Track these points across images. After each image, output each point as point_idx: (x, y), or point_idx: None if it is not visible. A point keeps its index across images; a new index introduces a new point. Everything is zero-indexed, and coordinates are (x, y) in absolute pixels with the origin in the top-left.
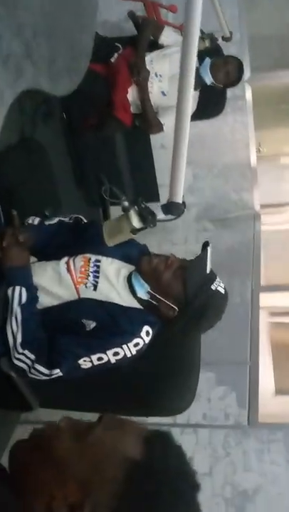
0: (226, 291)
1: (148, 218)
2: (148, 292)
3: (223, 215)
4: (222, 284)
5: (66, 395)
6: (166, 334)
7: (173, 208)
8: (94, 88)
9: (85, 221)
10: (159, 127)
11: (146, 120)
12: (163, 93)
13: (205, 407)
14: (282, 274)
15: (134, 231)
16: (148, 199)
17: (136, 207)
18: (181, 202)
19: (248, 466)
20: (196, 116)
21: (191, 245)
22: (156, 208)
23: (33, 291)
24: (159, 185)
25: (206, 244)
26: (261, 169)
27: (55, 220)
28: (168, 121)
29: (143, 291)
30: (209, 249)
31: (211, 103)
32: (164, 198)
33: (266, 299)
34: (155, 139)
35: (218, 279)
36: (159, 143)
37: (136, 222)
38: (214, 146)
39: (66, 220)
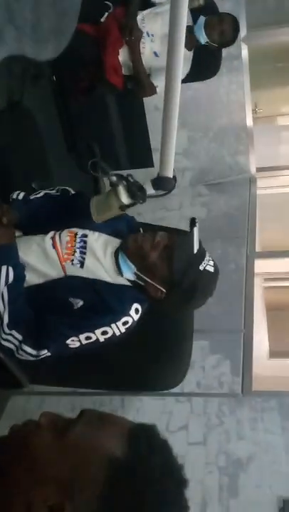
0: (215, 268)
1: (137, 194)
2: (135, 273)
3: (219, 179)
4: (211, 262)
5: (57, 372)
6: (157, 309)
7: (163, 183)
8: (83, 50)
9: (73, 192)
10: (152, 90)
11: (139, 82)
12: (155, 54)
13: (199, 376)
14: (278, 237)
15: (123, 207)
16: (141, 164)
17: (124, 182)
18: (171, 176)
19: (241, 434)
20: (190, 77)
21: (185, 211)
22: (145, 182)
23: (20, 269)
24: (152, 150)
25: (192, 223)
26: (257, 131)
27: (41, 193)
28: (161, 83)
29: (130, 272)
30: (196, 229)
31: (205, 64)
32: (157, 162)
33: (261, 265)
34: (148, 101)
35: (207, 257)
36: (153, 105)
37: (125, 198)
38: (209, 109)
39: (53, 192)
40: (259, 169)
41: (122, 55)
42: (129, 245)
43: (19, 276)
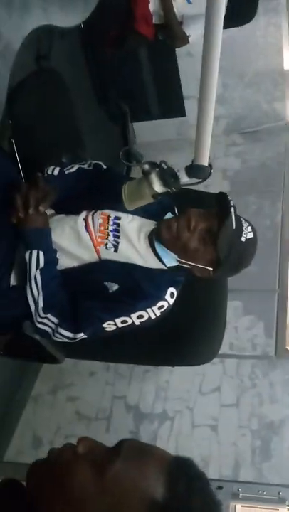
0: (254, 231)
1: (170, 182)
2: (177, 260)
3: (254, 127)
4: (249, 228)
5: (92, 347)
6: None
7: (198, 171)
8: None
9: (105, 167)
10: (185, 39)
11: (170, 32)
12: (188, 0)
13: (232, 337)
14: None
15: (156, 195)
16: (173, 113)
17: (157, 169)
18: (206, 164)
19: (274, 397)
20: (226, 23)
21: (219, 162)
22: (180, 169)
23: (51, 254)
24: (185, 98)
25: (224, 199)
26: None
27: (75, 167)
28: (194, 31)
29: (172, 260)
30: (232, 209)
31: (241, 7)
32: (189, 112)
33: None
34: (180, 48)
35: (245, 225)
36: (186, 50)
37: (158, 187)
38: (245, 53)
39: (85, 166)
40: None
41: (153, 4)
42: (164, 235)
43: (51, 260)
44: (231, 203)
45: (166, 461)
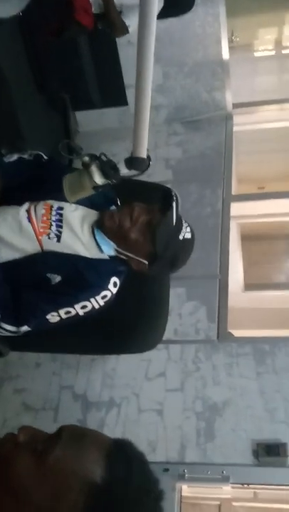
0: (192, 233)
1: (110, 174)
2: (115, 250)
3: (195, 116)
4: (188, 229)
5: (37, 338)
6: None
7: (137, 164)
8: None
9: (46, 158)
10: (124, 29)
11: (110, 22)
12: None
13: (176, 323)
14: (253, 171)
15: (97, 187)
16: (114, 103)
17: (97, 161)
18: (145, 157)
19: (217, 380)
20: (164, 12)
21: (161, 151)
22: (119, 162)
23: None
24: (126, 87)
25: (169, 196)
26: (234, 62)
27: (15, 157)
28: (134, 22)
29: (110, 249)
30: (174, 204)
31: None
32: (132, 100)
33: (237, 209)
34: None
35: (184, 225)
36: (126, 39)
37: (98, 179)
38: (184, 42)
39: (26, 156)
40: (236, 105)
41: None
42: (106, 223)
43: None
44: (174, 200)
45: (106, 444)
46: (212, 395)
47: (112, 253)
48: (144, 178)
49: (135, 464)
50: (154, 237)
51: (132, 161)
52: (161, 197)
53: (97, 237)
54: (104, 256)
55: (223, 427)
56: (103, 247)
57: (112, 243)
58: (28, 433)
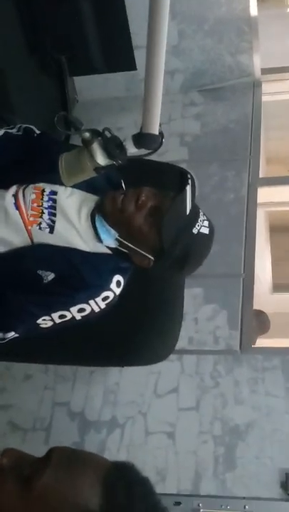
0: (211, 228)
1: (115, 153)
2: (116, 240)
3: (216, 83)
4: (206, 222)
5: (27, 346)
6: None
7: (147, 141)
8: None
9: (37, 132)
10: None
11: None
12: None
13: (191, 330)
14: (285, 148)
15: (99, 169)
16: (121, 67)
17: (100, 138)
18: (157, 133)
19: (239, 398)
20: None
21: (176, 125)
22: (126, 139)
23: None
24: (135, 48)
25: (184, 179)
26: (264, 19)
27: (0, 131)
28: None
29: (110, 238)
30: (188, 187)
31: None
32: (141, 64)
33: (266, 195)
34: None
35: (201, 217)
36: None
37: (100, 159)
38: None
39: (13, 131)
40: (265, 71)
41: None
42: (107, 206)
43: None
44: (189, 184)
45: (103, 468)
46: (233, 416)
47: (113, 244)
48: (154, 157)
49: (138, 489)
50: (161, 226)
51: (142, 138)
52: (175, 181)
53: (97, 224)
54: (105, 249)
55: (245, 454)
56: (102, 236)
57: (113, 232)
58: (13, 456)
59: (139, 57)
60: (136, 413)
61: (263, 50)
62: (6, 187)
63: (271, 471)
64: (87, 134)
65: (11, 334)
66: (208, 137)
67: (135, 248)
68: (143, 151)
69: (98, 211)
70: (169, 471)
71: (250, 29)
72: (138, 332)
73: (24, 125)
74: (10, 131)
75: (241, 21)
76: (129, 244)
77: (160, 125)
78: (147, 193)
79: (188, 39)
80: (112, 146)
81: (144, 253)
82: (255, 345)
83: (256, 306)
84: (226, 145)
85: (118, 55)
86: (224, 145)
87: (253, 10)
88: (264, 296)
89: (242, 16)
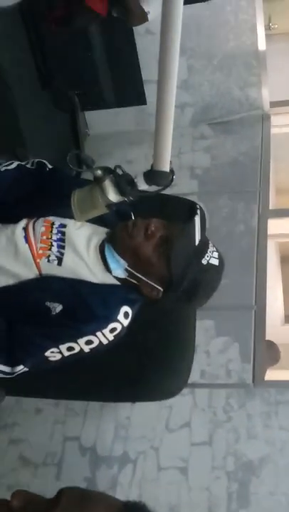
0: (220, 260)
1: (127, 190)
2: (125, 270)
3: (226, 116)
4: (215, 254)
5: (38, 382)
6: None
7: (158, 178)
8: None
9: (50, 167)
10: (143, 17)
11: (126, 8)
12: None
13: (203, 363)
14: None
15: (111, 205)
16: (131, 102)
17: (112, 176)
18: (168, 170)
19: (252, 432)
20: None
21: (186, 157)
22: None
23: None
24: (144, 83)
25: (192, 210)
26: (272, 53)
27: (14, 164)
28: (153, 7)
29: (119, 269)
30: (197, 217)
31: None
32: (151, 99)
33: (276, 225)
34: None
35: (210, 248)
36: (144, 28)
37: (112, 196)
38: (213, 31)
39: (27, 165)
40: (274, 104)
41: None
42: (118, 236)
43: None
44: (198, 215)
45: (114, 508)
46: (246, 451)
47: (122, 274)
48: (164, 190)
49: None
50: (170, 257)
51: (153, 175)
52: (184, 212)
53: (106, 253)
54: (113, 281)
55: (259, 490)
56: (112, 266)
57: (122, 261)
58: (23, 498)
59: (149, 91)
60: (148, 448)
61: (272, 83)
62: (17, 220)
63: (286, 508)
64: (99, 172)
65: (20, 368)
66: (218, 170)
67: (144, 278)
68: (154, 188)
69: (108, 241)
70: (181, 508)
71: (258, 63)
72: (149, 367)
73: (36, 159)
74: (23, 164)
75: (250, 55)
76: (138, 275)
77: (170, 162)
78: (156, 224)
79: (197, 74)
80: (124, 183)
81: (152, 284)
82: (267, 379)
83: (267, 337)
84: (236, 177)
85: (129, 90)
86: (234, 177)
87: (261, 44)
88: (275, 327)
89: (250, 51)
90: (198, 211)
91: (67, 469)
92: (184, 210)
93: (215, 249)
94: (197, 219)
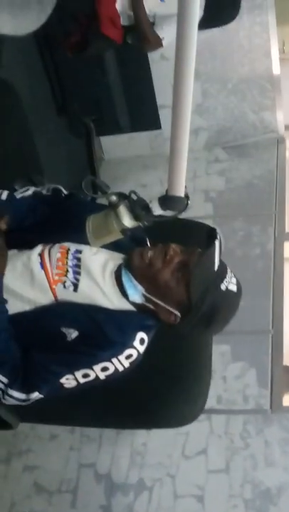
0: (238, 286)
1: (141, 215)
2: (143, 295)
3: (240, 140)
4: (234, 280)
5: (53, 407)
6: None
7: (173, 203)
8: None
9: (65, 192)
10: (157, 43)
11: (141, 35)
12: None
13: (220, 389)
14: None
15: (125, 231)
16: (146, 126)
17: (126, 201)
18: (183, 195)
19: (270, 459)
20: (204, 23)
21: (201, 180)
22: (152, 201)
23: (1, 303)
24: (159, 108)
25: (212, 235)
26: (286, 77)
27: (30, 191)
28: (168, 33)
29: (137, 294)
30: (217, 242)
31: (222, 5)
32: (165, 123)
33: None
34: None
35: (228, 274)
36: (159, 54)
37: (127, 221)
38: (227, 56)
39: (43, 191)
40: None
41: (120, 3)
42: (135, 262)
43: (1, 310)
44: (218, 240)
45: None
46: (264, 479)
47: (139, 300)
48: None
49: None
50: (189, 282)
51: (168, 200)
52: (201, 237)
53: (123, 279)
54: (129, 306)
55: None
56: (129, 292)
57: (139, 287)
58: None
59: (164, 115)
60: (164, 475)
61: (286, 106)
62: (33, 246)
63: None
64: (113, 197)
65: (35, 395)
66: (232, 193)
67: (162, 304)
68: (169, 213)
69: (125, 265)
70: None
71: (272, 87)
72: (164, 394)
73: (52, 185)
74: (39, 190)
75: (264, 79)
76: (156, 300)
77: (185, 187)
78: (175, 249)
79: (212, 98)
80: (139, 208)
81: (170, 309)
82: (285, 404)
83: (285, 362)
84: (251, 200)
85: (143, 115)
86: (249, 200)
87: (276, 68)
88: None
89: (264, 75)
90: (218, 235)
91: (82, 497)
92: (201, 234)
93: (233, 275)
94: (217, 244)
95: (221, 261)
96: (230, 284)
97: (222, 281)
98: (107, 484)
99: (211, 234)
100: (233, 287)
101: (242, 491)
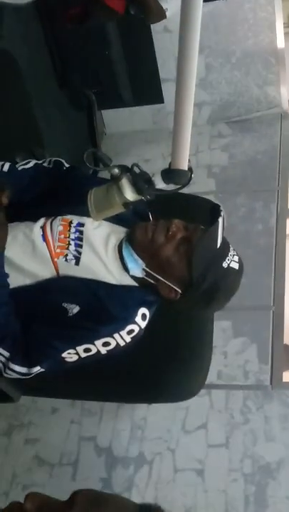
0: (240, 264)
1: (144, 188)
2: (143, 270)
3: (244, 115)
4: (236, 257)
5: (54, 382)
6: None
7: (176, 176)
8: None
9: (67, 166)
10: (161, 14)
11: (144, 5)
12: None
13: (220, 364)
14: None
15: (127, 204)
16: (148, 100)
17: (129, 174)
18: (186, 168)
19: (270, 435)
20: None
21: (203, 155)
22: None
23: (3, 276)
24: (162, 81)
25: (215, 212)
26: None
27: (31, 163)
28: (172, 4)
29: (137, 268)
30: (220, 219)
31: None
32: (168, 97)
33: None
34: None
35: (231, 252)
36: (162, 26)
37: (129, 194)
38: (231, 29)
39: (44, 164)
40: None
41: None
42: (137, 236)
43: (1, 284)
44: (221, 217)
45: (130, 508)
46: (264, 454)
47: (139, 274)
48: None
49: None
50: (191, 258)
51: (171, 174)
52: (204, 214)
53: (124, 253)
54: (131, 281)
55: (277, 493)
56: (129, 265)
57: (140, 261)
58: (37, 501)
59: (167, 89)
60: (164, 449)
61: None
62: (35, 219)
63: None
64: (116, 170)
65: (37, 369)
66: (235, 168)
67: (162, 279)
68: (172, 187)
69: (127, 240)
70: (198, 510)
71: (277, 61)
72: (165, 368)
73: (54, 158)
74: (40, 163)
75: (268, 53)
76: (157, 275)
77: (189, 160)
78: (178, 225)
79: (215, 72)
80: (141, 181)
81: (171, 285)
82: (285, 380)
83: (287, 340)
84: (254, 176)
85: (146, 88)
86: (252, 176)
87: (280, 42)
88: None
89: (269, 49)
90: (222, 213)
91: (82, 470)
92: (205, 210)
93: (235, 252)
94: (220, 221)
95: (223, 238)
96: (232, 261)
97: (224, 259)
98: (107, 457)
99: (214, 210)
100: (235, 265)
101: (242, 465)
